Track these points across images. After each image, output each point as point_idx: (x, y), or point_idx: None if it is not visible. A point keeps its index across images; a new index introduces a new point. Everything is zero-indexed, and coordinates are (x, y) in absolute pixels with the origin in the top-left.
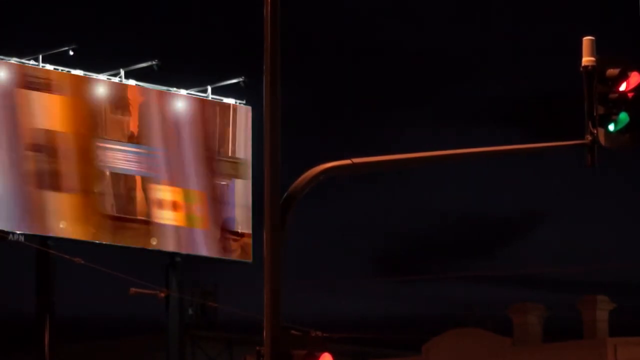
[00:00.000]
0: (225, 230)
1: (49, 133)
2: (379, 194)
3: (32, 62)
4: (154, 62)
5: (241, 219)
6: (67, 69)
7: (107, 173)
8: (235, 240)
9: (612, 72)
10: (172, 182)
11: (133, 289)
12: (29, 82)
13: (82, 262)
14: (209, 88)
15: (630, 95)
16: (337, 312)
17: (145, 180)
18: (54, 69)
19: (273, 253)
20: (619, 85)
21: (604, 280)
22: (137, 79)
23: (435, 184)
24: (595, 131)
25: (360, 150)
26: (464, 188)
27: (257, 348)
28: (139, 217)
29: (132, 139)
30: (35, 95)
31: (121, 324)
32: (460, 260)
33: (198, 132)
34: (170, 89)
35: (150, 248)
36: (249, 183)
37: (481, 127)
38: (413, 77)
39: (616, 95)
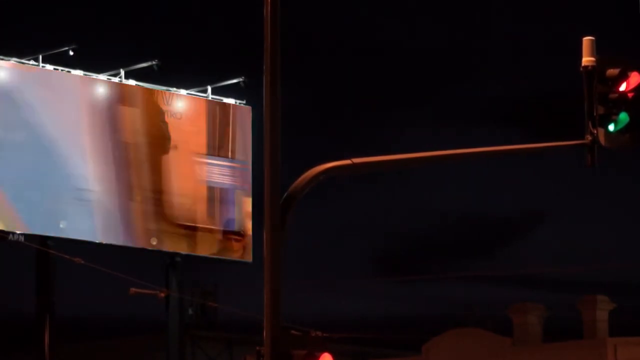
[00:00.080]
0: (227, 231)
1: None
2: (379, 194)
3: (32, 62)
4: (154, 62)
5: (241, 218)
6: (67, 69)
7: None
8: (237, 240)
9: (612, 72)
10: None
11: (133, 289)
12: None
13: (82, 262)
14: (209, 88)
15: (630, 95)
16: (337, 312)
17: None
18: (54, 69)
19: (273, 253)
20: (619, 85)
21: (604, 280)
22: (137, 79)
23: (435, 184)
24: (595, 131)
25: (360, 150)
26: (464, 188)
27: (257, 348)
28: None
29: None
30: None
31: (121, 324)
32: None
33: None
34: (170, 89)
35: (150, 248)
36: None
37: (481, 127)
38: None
39: (616, 95)
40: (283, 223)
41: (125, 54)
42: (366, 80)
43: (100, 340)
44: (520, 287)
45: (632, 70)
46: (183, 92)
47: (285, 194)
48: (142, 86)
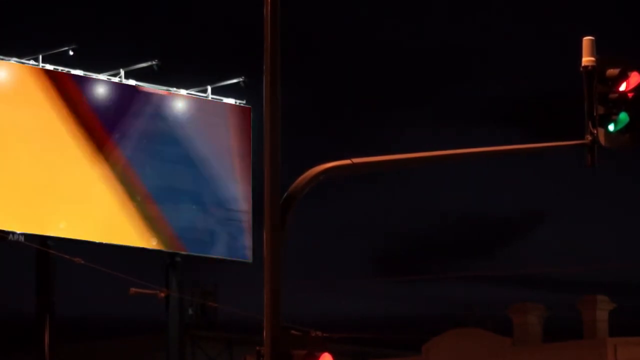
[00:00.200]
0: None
1: None
2: (379, 194)
3: (32, 62)
4: (154, 62)
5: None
6: (67, 69)
7: None
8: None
9: (612, 72)
10: None
11: (133, 289)
12: None
13: (82, 262)
14: (209, 88)
15: (630, 95)
16: (337, 312)
17: None
18: (54, 69)
19: (273, 253)
20: (619, 85)
21: (604, 280)
22: (137, 79)
23: (435, 184)
24: (595, 131)
25: (360, 150)
26: (464, 188)
27: (257, 348)
28: None
29: None
30: None
31: (121, 324)
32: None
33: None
34: (170, 88)
35: (150, 248)
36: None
37: (481, 127)
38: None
39: (616, 95)
40: (283, 223)
41: (125, 54)
42: (366, 80)
43: (100, 340)
44: (520, 287)
45: (632, 70)
46: (183, 92)
47: (285, 194)
48: None
